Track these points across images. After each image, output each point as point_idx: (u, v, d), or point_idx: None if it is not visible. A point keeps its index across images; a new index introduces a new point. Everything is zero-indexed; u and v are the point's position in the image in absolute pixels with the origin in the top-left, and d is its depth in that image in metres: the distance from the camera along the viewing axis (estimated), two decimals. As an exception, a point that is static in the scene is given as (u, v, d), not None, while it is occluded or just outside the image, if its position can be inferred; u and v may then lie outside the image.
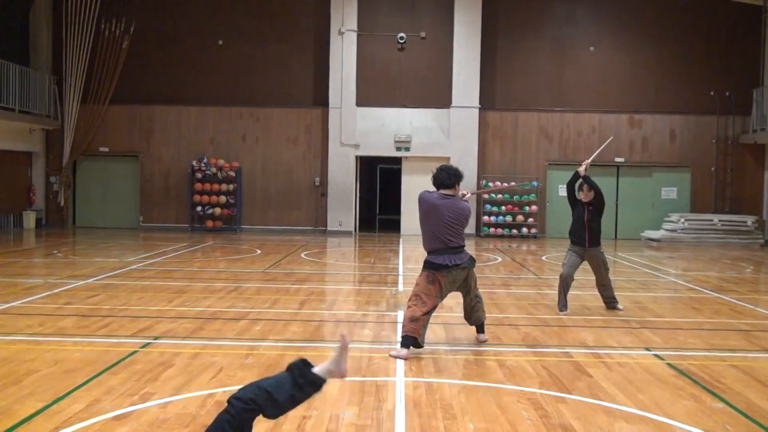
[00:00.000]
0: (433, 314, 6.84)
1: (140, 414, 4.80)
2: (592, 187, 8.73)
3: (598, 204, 8.81)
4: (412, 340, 6.45)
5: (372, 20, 20.68)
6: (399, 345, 6.58)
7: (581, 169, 8.77)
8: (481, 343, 7.05)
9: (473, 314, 7.04)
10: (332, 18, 20.34)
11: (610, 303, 9.00)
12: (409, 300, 6.72)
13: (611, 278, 9.13)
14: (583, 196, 8.79)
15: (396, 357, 6.39)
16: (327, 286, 11.30)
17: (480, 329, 7.12)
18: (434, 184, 6.80)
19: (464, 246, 6.76)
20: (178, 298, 9.29)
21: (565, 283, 8.75)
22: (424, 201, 6.74)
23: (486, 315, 7.20)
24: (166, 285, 10.40)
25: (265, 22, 20.90)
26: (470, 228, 20.20)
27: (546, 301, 9.58)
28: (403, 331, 6.54)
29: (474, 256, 6.93)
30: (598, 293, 9.14)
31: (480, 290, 7.11)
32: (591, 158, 9.15)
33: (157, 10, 20.93)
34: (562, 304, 8.73)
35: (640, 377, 5.95)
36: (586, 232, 8.72)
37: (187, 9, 21.03)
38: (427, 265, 6.69)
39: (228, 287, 10.30)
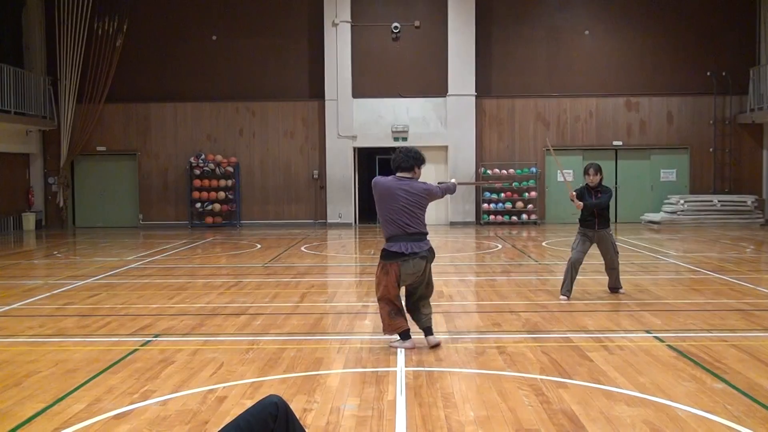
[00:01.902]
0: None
1: (141, 412, 4.80)
2: (596, 207, 8.63)
3: (606, 196, 8.79)
4: (405, 333, 6.34)
5: (365, 11, 20.61)
6: (398, 339, 6.44)
7: (577, 205, 8.71)
8: (434, 347, 6.34)
9: (427, 312, 6.43)
10: (325, 9, 20.27)
11: (614, 287, 8.98)
12: (377, 291, 6.35)
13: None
14: (590, 180, 8.76)
15: (400, 348, 6.32)
16: (327, 279, 11.30)
17: (429, 330, 6.42)
18: (392, 167, 6.44)
19: (426, 234, 6.31)
20: (178, 295, 9.30)
21: (573, 268, 8.70)
22: (377, 185, 6.30)
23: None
24: (166, 282, 10.41)
25: (258, 16, 20.83)
26: (471, 216, 20.25)
27: (547, 287, 9.57)
28: (390, 331, 6.29)
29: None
30: (599, 277, 9.13)
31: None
32: (563, 176, 9.12)
33: (150, 8, 20.87)
34: (567, 289, 8.69)
35: (641, 360, 5.95)
36: (596, 218, 8.72)
37: (179, 5, 20.97)
38: (383, 254, 6.24)
39: (228, 283, 10.30)
